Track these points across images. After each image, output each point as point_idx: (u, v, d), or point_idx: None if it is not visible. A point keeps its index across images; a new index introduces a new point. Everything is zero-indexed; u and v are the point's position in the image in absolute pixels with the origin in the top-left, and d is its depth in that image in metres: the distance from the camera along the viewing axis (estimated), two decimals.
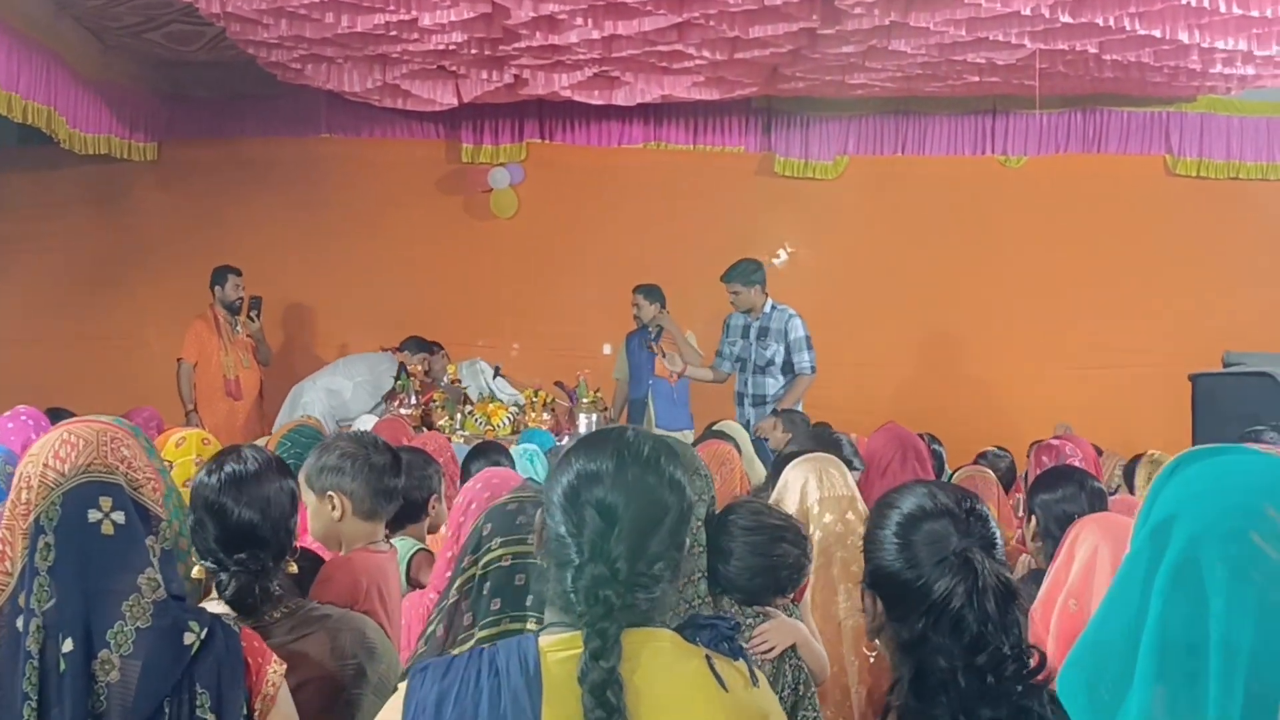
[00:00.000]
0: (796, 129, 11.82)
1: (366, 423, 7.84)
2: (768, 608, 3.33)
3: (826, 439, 5.07)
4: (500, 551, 2.56)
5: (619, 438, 2.03)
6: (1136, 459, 6.87)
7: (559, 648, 1.90)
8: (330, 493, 3.65)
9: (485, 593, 2.54)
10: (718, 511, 3.33)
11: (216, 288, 10.17)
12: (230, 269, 10.22)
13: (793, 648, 3.30)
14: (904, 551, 2.28)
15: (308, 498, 3.67)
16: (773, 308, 9.20)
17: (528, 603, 2.50)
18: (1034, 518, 4.17)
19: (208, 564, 2.80)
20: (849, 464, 4.53)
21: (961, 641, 2.17)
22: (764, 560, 3.30)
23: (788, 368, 9.11)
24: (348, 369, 9.90)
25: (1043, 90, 9.81)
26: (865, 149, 11.87)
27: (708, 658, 1.94)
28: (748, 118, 11.86)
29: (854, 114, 11.72)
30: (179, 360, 10.18)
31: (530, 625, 2.43)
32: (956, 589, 2.19)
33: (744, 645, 3.12)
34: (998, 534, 2.31)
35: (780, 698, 3.17)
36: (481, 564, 2.58)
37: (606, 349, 11.00)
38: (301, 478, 3.68)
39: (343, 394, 9.66)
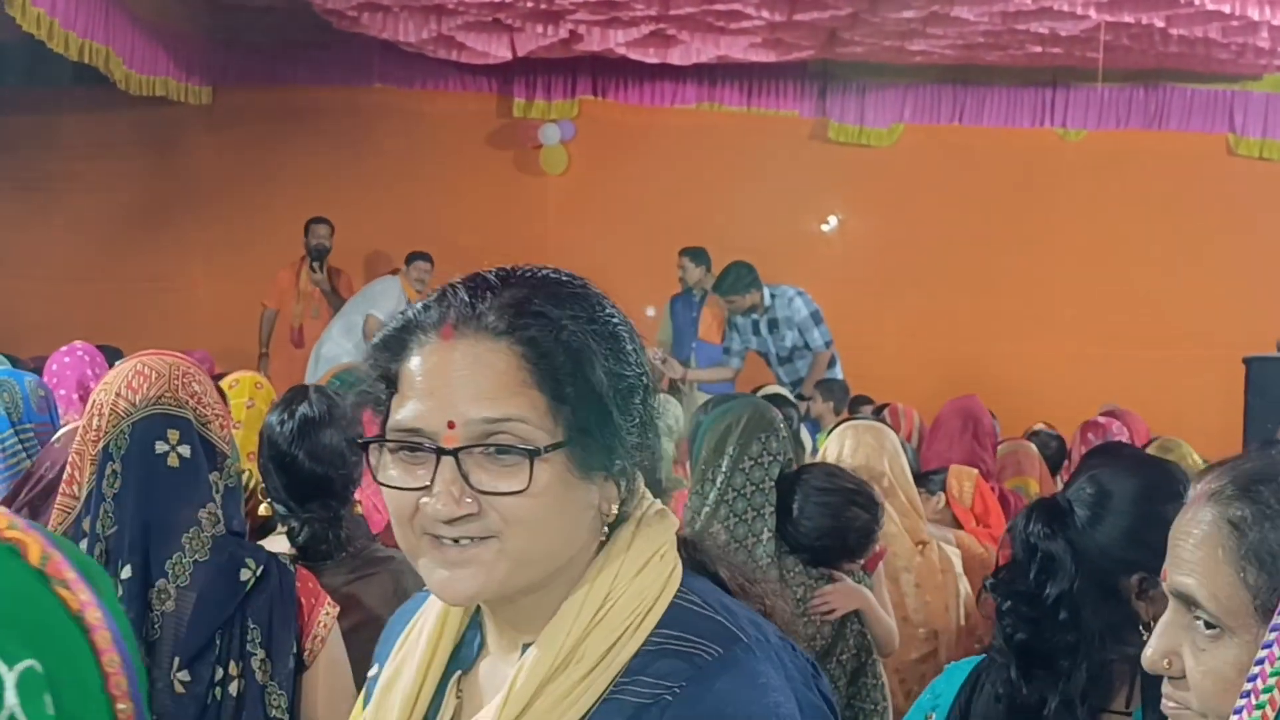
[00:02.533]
0: (852, 94, 11.71)
1: None
2: (835, 571, 3.30)
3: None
4: None
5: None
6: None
7: None
8: None
9: None
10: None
11: (305, 236, 10.29)
12: (316, 219, 10.35)
13: (856, 613, 3.27)
14: None
15: None
16: (772, 296, 9.07)
17: None
18: None
19: (276, 507, 2.88)
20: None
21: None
22: (833, 522, 3.28)
23: (808, 347, 9.05)
24: (355, 306, 9.92)
25: (1106, 63, 9.68)
26: (921, 117, 11.75)
27: None
28: (803, 82, 11.75)
29: (911, 81, 11.60)
30: (263, 304, 10.47)
31: None
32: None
33: (796, 604, 3.14)
34: None
35: (840, 662, 3.21)
36: None
37: (650, 311, 10.94)
38: None
39: (357, 330, 9.72)
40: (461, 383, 1.30)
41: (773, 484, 3.14)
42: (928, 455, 5.53)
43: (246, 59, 11.62)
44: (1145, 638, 1.42)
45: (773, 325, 9.03)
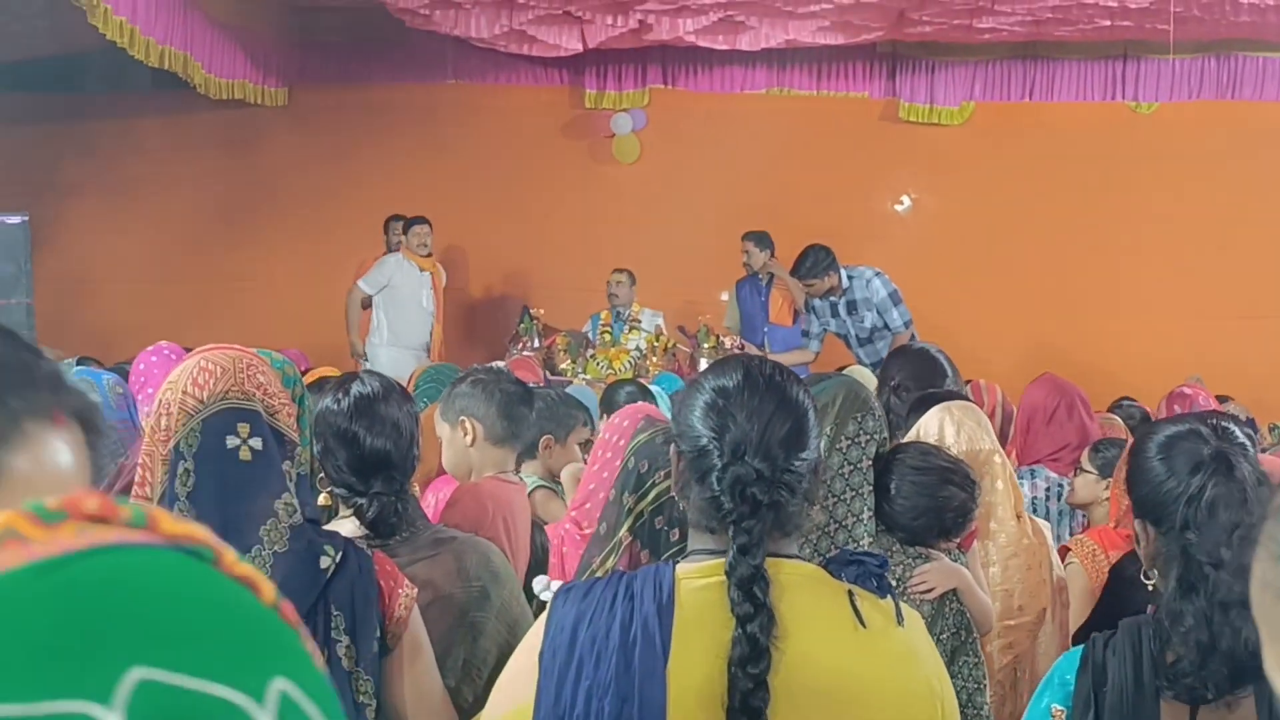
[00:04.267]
0: (922, 74, 11.68)
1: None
2: (930, 549, 3.33)
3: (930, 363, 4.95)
4: (667, 483, 2.50)
5: (744, 358, 2.09)
6: None
7: (696, 575, 1.91)
8: (462, 417, 3.68)
9: (659, 526, 2.55)
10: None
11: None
12: (416, 219, 10.42)
13: (954, 592, 3.30)
14: (1165, 463, 2.32)
15: (441, 429, 3.74)
16: (850, 278, 9.06)
17: None
18: None
19: (338, 491, 2.84)
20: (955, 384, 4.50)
21: (1215, 535, 2.18)
22: (929, 501, 3.28)
23: (887, 327, 9.05)
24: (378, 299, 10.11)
25: (1177, 35, 9.59)
26: (992, 94, 11.70)
27: (850, 593, 1.93)
28: (872, 63, 11.74)
29: (981, 58, 11.54)
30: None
31: None
32: (1208, 484, 2.22)
33: (895, 584, 3.17)
34: (1249, 442, 2.37)
35: (940, 640, 3.16)
36: (650, 498, 2.58)
37: (725, 296, 11.00)
38: (438, 412, 3.77)
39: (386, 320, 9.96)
40: None
41: (870, 463, 3.09)
42: (1039, 443, 5.45)
43: (322, 59, 11.79)
44: None
45: (851, 307, 9.02)
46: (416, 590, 2.55)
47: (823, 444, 3.06)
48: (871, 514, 3.13)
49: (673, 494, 2.36)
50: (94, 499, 0.60)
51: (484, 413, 3.69)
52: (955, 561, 3.36)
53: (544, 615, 1.96)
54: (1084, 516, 4.93)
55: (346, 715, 2.17)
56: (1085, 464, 4.76)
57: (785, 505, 1.92)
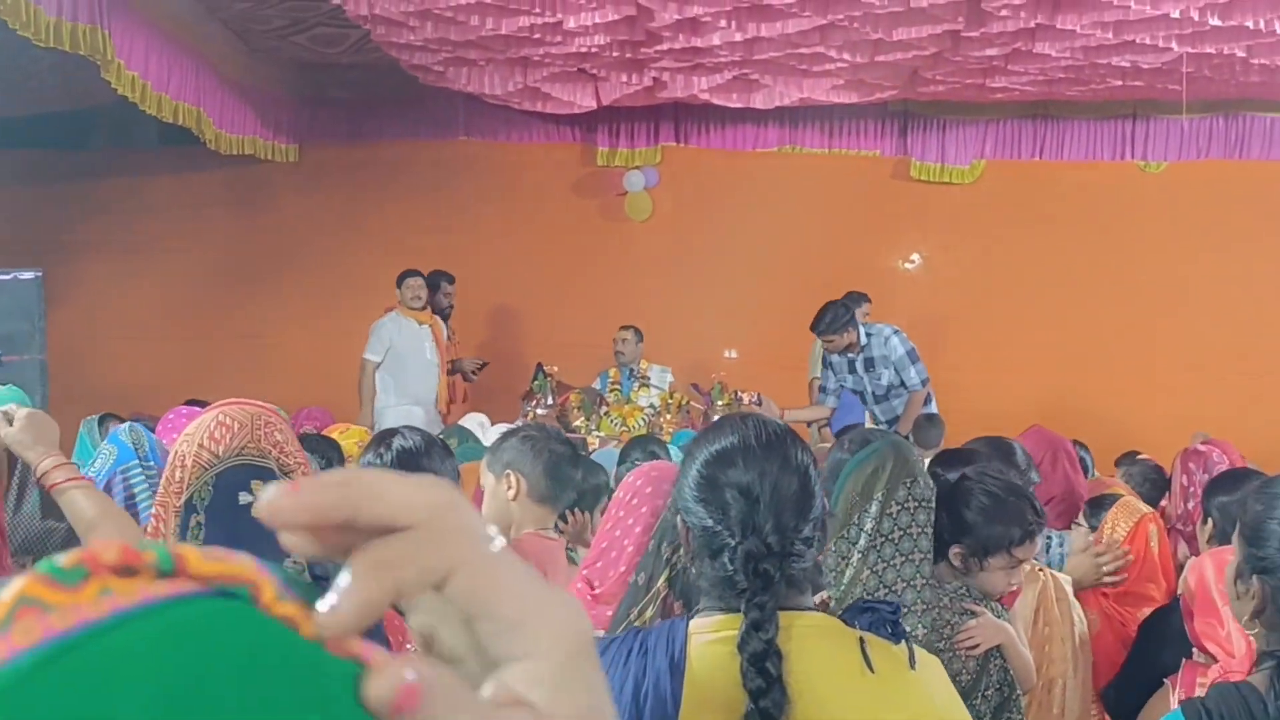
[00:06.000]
0: (934, 132, 11.73)
1: (472, 420, 7.87)
2: (976, 605, 3.31)
3: (1002, 447, 5.00)
4: None
5: (735, 421, 2.08)
6: None
7: (708, 630, 1.93)
8: (508, 471, 3.70)
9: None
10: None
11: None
12: (442, 275, 10.44)
13: (998, 648, 3.28)
14: None
15: (485, 480, 3.76)
16: (868, 335, 9.05)
17: None
18: (1210, 521, 4.10)
19: None
20: (1024, 475, 4.46)
21: None
22: (1003, 510, 3.32)
23: (904, 385, 9.03)
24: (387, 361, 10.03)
25: (1187, 95, 9.63)
26: (1003, 153, 11.74)
27: (861, 640, 1.95)
28: (884, 121, 11.79)
29: (991, 117, 11.60)
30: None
31: None
32: None
33: (941, 638, 3.15)
34: None
35: (985, 696, 3.19)
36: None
37: (731, 354, 10.99)
38: (484, 462, 3.79)
39: (387, 379, 9.90)
40: None
41: (920, 530, 3.10)
42: None
43: (332, 116, 11.82)
44: None
45: (869, 364, 9.01)
46: None
47: (875, 508, 3.08)
48: (924, 581, 3.12)
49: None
50: (114, 548, 0.53)
51: (530, 469, 3.70)
52: (999, 618, 3.35)
53: None
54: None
55: None
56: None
57: (796, 574, 1.96)
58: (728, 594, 1.94)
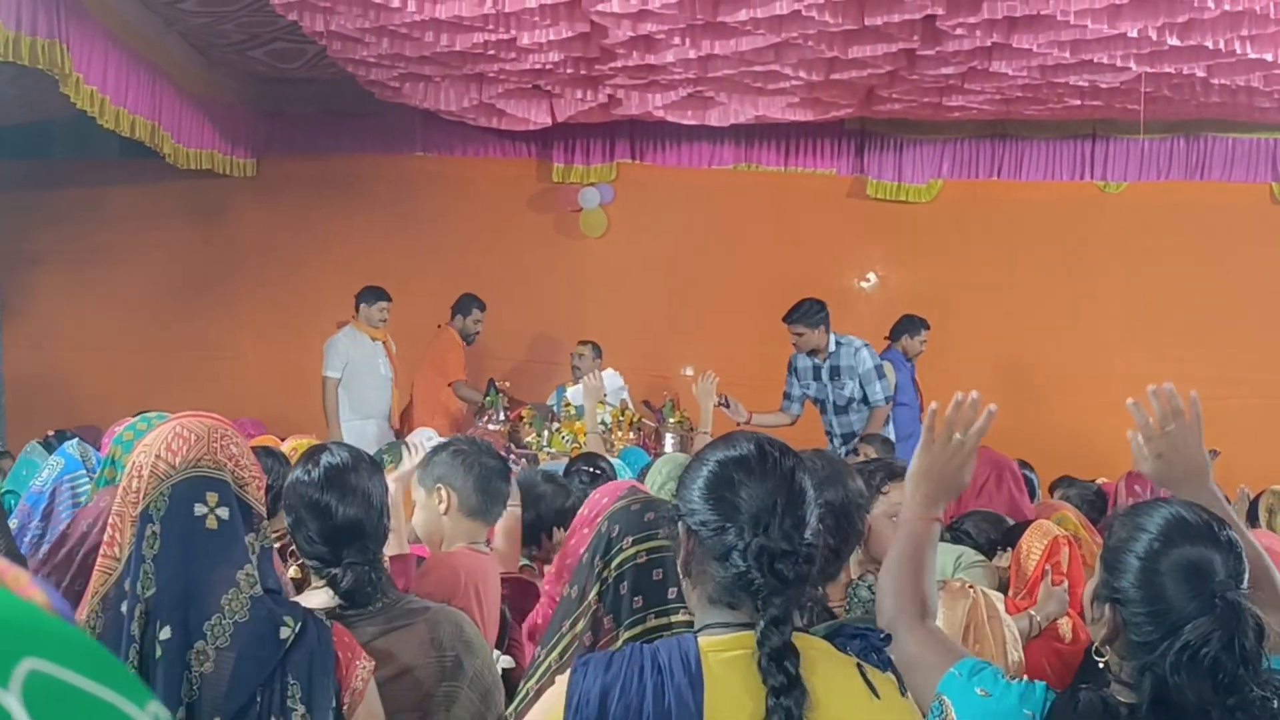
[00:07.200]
0: (890, 151, 11.71)
1: (421, 434, 7.81)
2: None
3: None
4: (634, 550, 2.59)
5: (746, 435, 2.12)
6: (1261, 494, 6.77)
7: (722, 648, 1.95)
8: (439, 486, 3.70)
9: (624, 592, 2.57)
10: None
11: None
12: (475, 301, 10.58)
13: None
14: (1151, 581, 2.21)
15: (416, 494, 3.78)
16: (838, 344, 9.04)
17: (670, 595, 2.52)
18: None
19: (310, 563, 2.88)
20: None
21: (1214, 682, 2.09)
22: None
23: (865, 400, 9.01)
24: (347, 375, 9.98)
25: (1146, 115, 9.63)
26: (960, 173, 11.73)
27: (859, 665, 1.99)
28: (840, 140, 11.75)
29: (949, 136, 11.59)
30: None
31: (678, 618, 2.47)
32: (1214, 634, 2.10)
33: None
34: (1246, 564, 2.23)
35: None
36: (614, 565, 2.59)
37: (688, 370, 10.95)
38: (415, 476, 3.82)
39: (346, 395, 9.86)
40: None
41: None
42: (962, 512, 5.45)
43: (290, 130, 11.77)
44: None
45: (834, 372, 8.99)
46: (374, 663, 2.59)
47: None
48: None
49: (638, 561, 2.40)
50: None
51: (461, 483, 3.71)
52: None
53: (558, 689, 1.98)
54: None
55: None
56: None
57: (805, 580, 2.00)
58: (739, 596, 1.96)
